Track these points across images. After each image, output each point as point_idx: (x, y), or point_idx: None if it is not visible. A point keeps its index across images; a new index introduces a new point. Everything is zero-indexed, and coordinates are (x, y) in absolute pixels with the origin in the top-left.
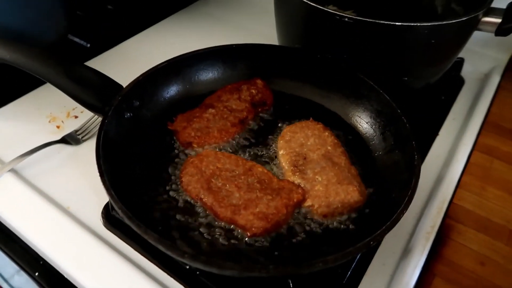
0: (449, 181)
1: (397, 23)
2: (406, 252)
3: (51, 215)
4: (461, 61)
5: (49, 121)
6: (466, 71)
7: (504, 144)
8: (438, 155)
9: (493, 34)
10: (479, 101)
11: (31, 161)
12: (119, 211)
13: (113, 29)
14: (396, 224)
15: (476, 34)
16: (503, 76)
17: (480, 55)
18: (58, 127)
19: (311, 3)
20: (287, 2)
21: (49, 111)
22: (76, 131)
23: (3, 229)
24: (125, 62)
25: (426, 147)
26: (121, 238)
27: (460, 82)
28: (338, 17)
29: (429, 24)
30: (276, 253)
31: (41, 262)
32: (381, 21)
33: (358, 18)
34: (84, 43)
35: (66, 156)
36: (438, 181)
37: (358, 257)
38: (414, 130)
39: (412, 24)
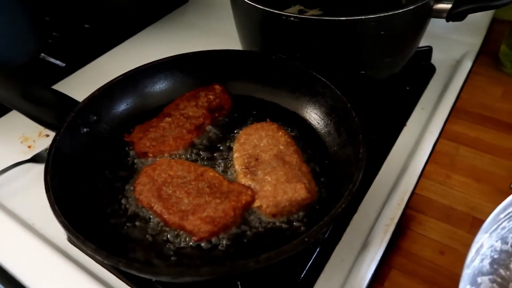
0: (412, 172)
1: (342, 18)
2: (364, 246)
3: (16, 233)
4: (429, 50)
5: (21, 142)
6: (437, 59)
7: (472, 129)
8: (404, 146)
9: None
10: (448, 88)
11: (1, 181)
12: (60, 225)
13: (88, 46)
14: (336, 219)
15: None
16: (475, 61)
17: (451, 42)
18: (29, 147)
19: (260, 6)
20: (240, 7)
21: (22, 132)
22: (46, 149)
23: None
24: (100, 78)
25: (392, 139)
26: (83, 252)
27: (431, 70)
28: (284, 17)
29: (375, 16)
30: (227, 255)
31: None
32: (327, 18)
33: (303, 16)
34: (60, 63)
35: (35, 174)
36: (402, 172)
37: (315, 254)
38: (380, 123)
39: (357, 17)
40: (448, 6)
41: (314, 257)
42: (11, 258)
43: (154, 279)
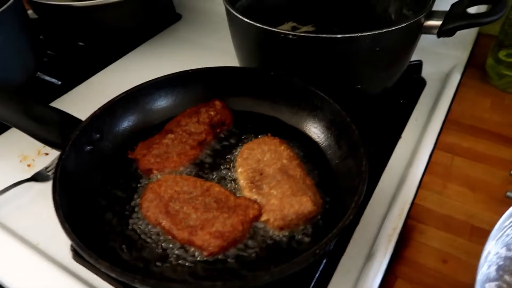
0: (411, 182)
1: (338, 36)
2: (369, 256)
3: (20, 253)
4: (419, 64)
5: (20, 161)
6: (428, 72)
7: (464, 140)
8: (401, 158)
9: None
10: (440, 101)
11: (1, 201)
12: (72, 242)
13: (83, 64)
14: (344, 231)
15: (434, 36)
16: (463, 74)
17: (440, 56)
18: (29, 165)
19: (257, 24)
20: (237, 25)
21: (21, 151)
22: (46, 168)
23: None
24: (96, 96)
25: (388, 151)
26: (90, 270)
27: (422, 83)
28: (282, 35)
29: (370, 33)
30: (236, 269)
31: None
32: (323, 35)
33: (300, 34)
34: (55, 81)
35: (36, 193)
36: (401, 183)
37: (322, 266)
38: (376, 136)
39: (353, 35)
40: (438, 23)
41: (321, 269)
42: (16, 279)
43: None
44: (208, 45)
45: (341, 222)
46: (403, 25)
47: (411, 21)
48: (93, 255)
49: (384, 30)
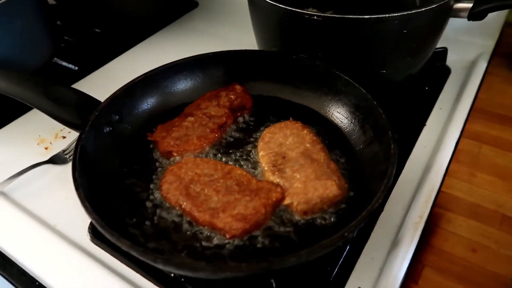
0: (437, 170)
1: (365, 16)
2: (394, 244)
3: (39, 235)
4: (444, 51)
5: (38, 144)
6: (452, 60)
7: (492, 128)
8: (426, 145)
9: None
10: (466, 89)
11: (20, 183)
12: (93, 221)
13: (100, 50)
14: (372, 214)
15: (459, 22)
16: (489, 62)
17: (465, 43)
18: (46, 148)
19: (281, 6)
20: (259, 6)
21: (38, 134)
22: (63, 151)
23: (1, 253)
24: (112, 81)
25: (413, 139)
26: (107, 252)
27: (446, 71)
28: (307, 16)
29: (398, 14)
30: (258, 252)
31: (36, 283)
32: (350, 16)
33: (327, 15)
34: (72, 67)
35: (54, 176)
36: (426, 170)
37: (345, 253)
38: (400, 122)
39: (380, 16)
40: (468, 5)
41: (344, 256)
42: (35, 260)
43: (192, 275)
44: (224, 34)
45: (369, 205)
46: (433, 6)
47: (441, 2)
48: (114, 233)
49: (413, 11)
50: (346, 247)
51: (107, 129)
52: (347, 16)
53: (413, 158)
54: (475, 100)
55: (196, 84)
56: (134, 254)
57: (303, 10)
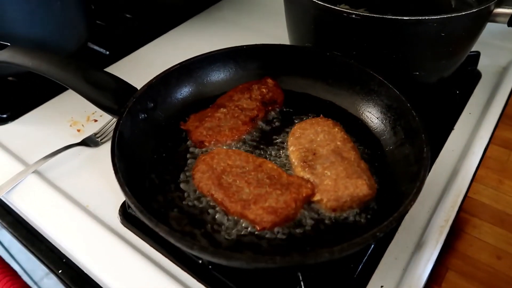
0: (464, 175)
1: (405, 18)
2: (419, 246)
3: (71, 214)
4: (477, 55)
5: (70, 125)
6: (483, 65)
7: None
8: (453, 149)
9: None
10: (496, 95)
11: (53, 163)
12: (132, 206)
13: (131, 36)
14: (404, 216)
15: (493, 27)
16: None
17: (498, 48)
18: (78, 130)
19: (319, 2)
20: (296, 2)
21: (71, 116)
22: (95, 134)
23: (30, 230)
24: (143, 67)
25: (440, 142)
26: (137, 235)
27: (477, 76)
28: (345, 15)
29: (437, 17)
30: (285, 246)
31: (64, 260)
32: (389, 16)
33: (365, 14)
34: (104, 51)
35: (86, 157)
36: (453, 175)
37: (369, 251)
38: (428, 126)
39: (420, 18)
40: (509, 11)
41: (368, 254)
42: (65, 237)
43: (225, 264)
44: (251, 26)
45: (401, 207)
46: (473, 10)
47: (482, 7)
48: (153, 219)
49: (453, 15)
50: (371, 245)
51: (142, 116)
52: (386, 17)
53: (440, 162)
54: (506, 107)
55: (228, 75)
56: (171, 240)
57: (336, 6)
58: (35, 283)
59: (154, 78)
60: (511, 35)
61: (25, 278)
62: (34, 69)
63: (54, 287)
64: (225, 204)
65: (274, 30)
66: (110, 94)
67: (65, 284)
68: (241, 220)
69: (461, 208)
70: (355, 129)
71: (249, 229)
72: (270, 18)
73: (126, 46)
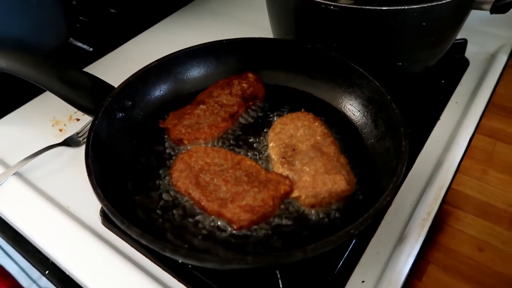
0: (448, 166)
1: (383, 8)
2: (400, 240)
3: (52, 216)
4: (464, 42)
5: (52, 125)
6: (471, 52)
7: (509, 125)
8: (439, 140)
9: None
10: (483, 83)
11: (35, 164)
12: (105, 208)
13: (115, 31)
14: (381, 212)
15: (481, 13)
16: (510, 55)
17: (485, 35)
18: (60, 130)
19: None
20: None
21: (53, 115)
22: (77, 133)
23: (17, 231)
24: (128, 63)
25: (425, 133)
26: (118, 235)
27: (465, 64)
28: (324, 6)
29: (418, 6)
30: (264, 243)
31: (50, 261)
32: (368, 7)
33: (344, 5)
34: (87, 47)
35: (67, 158)
36: (437, 166)
37: (351, 246)
38: (413, 117)
39: (399, 7)
40: None
41: (350, 249)
42: (47, 240)
43: (199, 265)
44: (239, 18)
45: (377, 203)
46: None
47: None
48: (125, 221)
49: (433, 3)
50: (352, 240)
51: (120, 115)
52: (365, 7)
53: (425, 153)
54: (493, 95)
55: (209, 71)
56: (144, 242)
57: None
58: (34, 281)
59: (132, 75)
60: (499, 22)
61: (23, 277)
62: (8, 70)
63: (52, 285)
64: (202, 203)
65: (263, 22)
66: (87, 94)
67: (53, 284)
68: (219, 219)
69: (444, 200)
70: (337, 122)
71: (227, 228)
72: (260, 8)
73: (110, 42)
